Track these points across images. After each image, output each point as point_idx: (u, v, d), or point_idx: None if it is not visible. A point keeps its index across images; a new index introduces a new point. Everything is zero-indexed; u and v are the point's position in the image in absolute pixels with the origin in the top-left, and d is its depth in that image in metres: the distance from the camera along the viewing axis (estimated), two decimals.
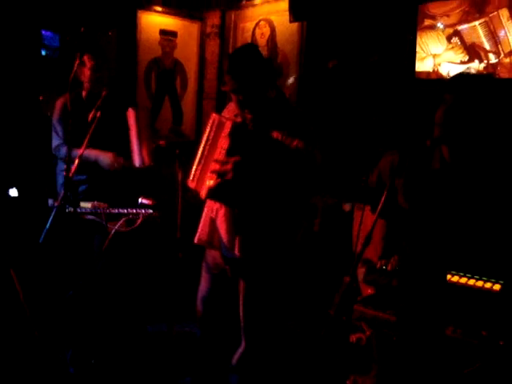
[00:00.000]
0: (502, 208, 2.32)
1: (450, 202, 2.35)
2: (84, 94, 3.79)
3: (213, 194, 2.62)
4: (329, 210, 3.94)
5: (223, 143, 2.57)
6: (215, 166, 2.57)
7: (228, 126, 2.55)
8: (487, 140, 2.40)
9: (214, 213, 2.80)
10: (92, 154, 3.59)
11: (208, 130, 2.75)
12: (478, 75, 2.57)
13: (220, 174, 2.54)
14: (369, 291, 2.26)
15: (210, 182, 2.59)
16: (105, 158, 3.66)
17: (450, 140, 2.32)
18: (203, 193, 2.65)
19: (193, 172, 2.79)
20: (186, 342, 3.38)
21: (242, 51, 2.83)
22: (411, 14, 4.23)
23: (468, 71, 2.64)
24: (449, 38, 4.11)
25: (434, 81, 4.16)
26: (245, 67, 2.65)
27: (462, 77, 2.62)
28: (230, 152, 2.53)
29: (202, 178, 2.71)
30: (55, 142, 3.81)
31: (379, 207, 1.94)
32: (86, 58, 3.66)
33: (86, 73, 3.71)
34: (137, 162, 3.60)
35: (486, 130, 2.38)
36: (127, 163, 3.65)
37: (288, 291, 2.90)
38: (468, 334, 2.11)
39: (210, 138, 2.71)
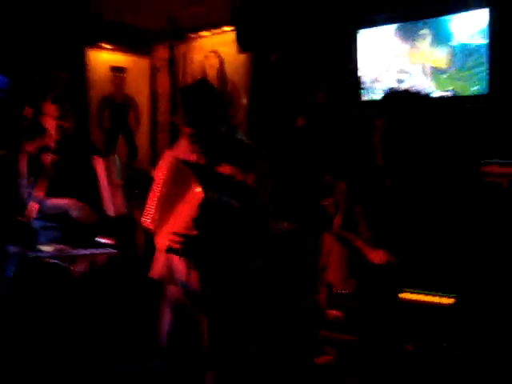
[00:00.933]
0: (450, 222, 2.43)
1: (402, 219, 2.45)
2: (49, 142, 3.70)
3: (173, 252, 2.68)
4: (290, 236, 4.01)
5: (190, 211, 2.57)
6: (179, 229, 2.60)
7: (198, 195, 2.53)
8: (428, 154, 2.50)
9: None
10: (62, 203, 3.43)
11: (166, 172, 2.78)
12: (406, 94, 2.64)
13: (183, 241, 2.58)
14: (332, 315, 2.33)
15: (171, 242, 2.63)
16: (79, 209, 3.44)
17: (392, 165, 2.43)
18: (163, 247, 2.69)
19: (149, 212, 2.81)
20: (158, 378, 3.37)
21: (195, 86, 2.90)
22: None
23: (395, 89, 2.71)
24: None
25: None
26: (197, 101, 2.71)
27: (389, 98, 2.71)
28: (196, 221, 2.56)
29: (160, 223, 2.74)
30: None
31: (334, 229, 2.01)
32: (49, 106, 3.50)
33: (51, 122, 3.51)
34: (111, 211, 3.45)
35: (424, 146, 2.49)
36: (100, 214, 3.47)
37: (251, 317, 2.94)
38: (428, 347, 2.21)
39: (168, 181, 2.74)
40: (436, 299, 2.22)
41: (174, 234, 2.58)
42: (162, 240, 2.67)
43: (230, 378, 2.85)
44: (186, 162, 2.73)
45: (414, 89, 2.60)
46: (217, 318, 2.80)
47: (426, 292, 2.26)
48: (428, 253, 2.35)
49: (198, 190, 2.52)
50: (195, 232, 2.54)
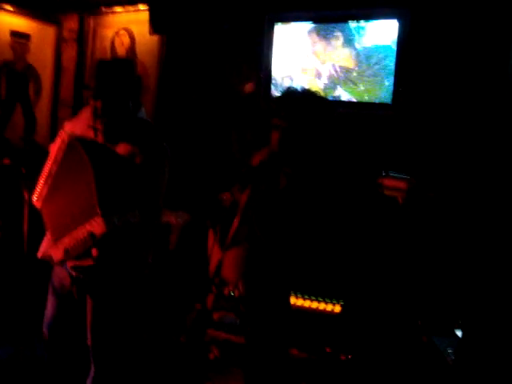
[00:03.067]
0: (342, 229, 2.46)
1: (294, 221, 2.45)
2: None
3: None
4: (185, 228, 3.95)
5: (90, 236, 2.47)
6: (77, 247, 2.50)
7: (101, 227, 2.44)
8: (325, 157, 2.53)
9: None
10: None
11: (57, 148, 2.65)
12: (304, 94, 2.65)
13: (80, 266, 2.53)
14: (221, 315, 2.31)
15: (66, 255, 2.54)
16: None
17: (289, 162, 2.43)
18: (56, 258, 2.59)
19: (39, 190, 2.68)
20: (36, 367, 3.22)
21: (116, 62, 2.92)
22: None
23: (293, 89, 2.73)
24: None
25: None
26: (113, 77, 2.63)
27: (287, 98, 2.70)
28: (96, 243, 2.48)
29: (50, 204, 2.65)
30: None
31: (229, 237, 1.98)
32: None
33: None
34: None
35: (321, 149, 2.52)
36: None
37: (140, 312, 2.87)
38: (312, 352, 2.23)
39: (59, 159, 2.62)
40: (323, 306, 2.25)
41: (69, 251, 2.47)
42: (57, 251, 2.56)
43: (112, 374, 2.77)
44: (81, 140, 2.61)
45: (311, 90, 2.60)
46: (104, 307, 2.70)
47: (314, 297, 2.28)
48: (317, 258, 2.36)
49: (99, 220, 2.41)
50: (91, 262, 2.45)
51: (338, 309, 2.27)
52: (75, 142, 2.59)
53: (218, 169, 4.33)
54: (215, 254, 2.40)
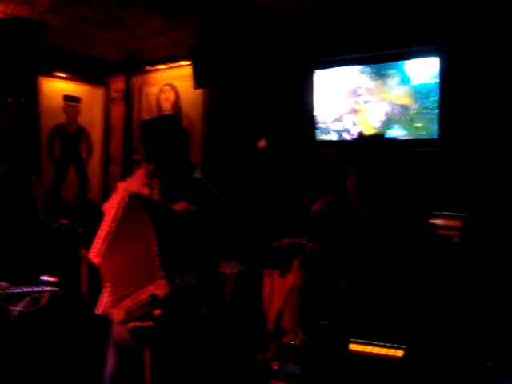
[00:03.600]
0: (401, 272, 2.42)
1: (377, 265, 2.42)
2: None
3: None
4: (240, 277, 3.96)
5: (151, 304, 2.50)
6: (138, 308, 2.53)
7: (165, 288, 2.46)
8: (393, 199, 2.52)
9: None
10: None
11: (116, 205, 2.69)
12: (371, 139, 2.69)
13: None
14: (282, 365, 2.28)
15: (126, 318, 2.55)
16: None
17: (369, 206, 2.44)
18: (117, 318, 2.61)
19: (97, 246, 2.71)
20: None
21: (158, 121, 2.87)
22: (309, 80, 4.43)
23: (364, 135, 2.77)
24: None
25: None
26: (159, 138, 2.67)
27: (355, 146, 2.73)
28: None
29: (111, 262, 2.63)
30: None
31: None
32: None
33: None
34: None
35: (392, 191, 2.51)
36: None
37: (199, 363, 2.86)
38: None
39: (118, 216, 2.65)
40: (385, 351, 2.20)
41: (131, 313, 2.50)
42: (119, 312, 2.58)
43: None
44: (141, 198, 2.66)
45: (380, 134, 2.63)
46: (163, 358, 2.70)
47: (375, 343, 2.23)
48: (378, 302, 2.33)
49: (163, 282, 2.44)
50: (151, 323, 2.48)
51: (400, 353, 2.21)
52: (135, 200, 2.63)
53: (267, 216, 4.35)
54: (274, 302, 2.39)
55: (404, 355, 2.16)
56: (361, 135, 2.77)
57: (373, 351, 2.20)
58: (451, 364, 2.27)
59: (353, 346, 2.21)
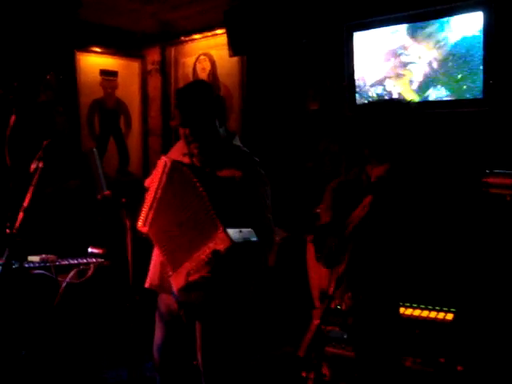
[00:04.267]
0: (450, 235, 2.37)
1: (403, 227, 2.38)
2: None
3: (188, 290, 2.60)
4: (283, 245, 3.95)
5: (211, 258, 2.44)
6: (196, 270, 2.50)
7: (225, 242, 2.39)
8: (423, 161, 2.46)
9: None
10: None
11: (160, 173, 2.69)
12: (392, 103, 2.64)
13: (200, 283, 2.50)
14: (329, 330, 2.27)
15: (186, 280, 2.52)
16: None
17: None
18: (176, 286, 2.59)
19: (144, 216, 2.73)
20: None
21: (191, 86, 2.87)
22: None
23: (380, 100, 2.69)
24: None
25: None
26: (192, 101, 2.66)
27: (377, 108, 2.70)
28: (216, 267, 2.45)
29: (159, 227, 2.65)
30: None
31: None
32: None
33: None
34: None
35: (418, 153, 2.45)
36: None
37: (247, 330, 2.88)
38: (426, 363, 2.14)
39: (163, 182, 2.66)
40: (435, 314, 2.16)
41: (191, 273, 2.49)
42: (179, 278, 2.57)
43: None
44: (183, 163, 2.66)
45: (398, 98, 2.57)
46: (214, 329, 2.73)
47: (425, 306, 2.20)
48: (428, 266, 2.28)
49: (222, 235, 2.38)
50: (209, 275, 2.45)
51: (449, 317, 2.17)
52: (178, 164, 2.64)
53: (308, 184, 4.31)
54: (318, 268, 2.37)
55: (454, 318, 2.13)
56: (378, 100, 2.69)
57: (422, 314, 2.17)
58: (501, 328, 2.22)
59: (402, 310, 2.18)
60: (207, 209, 2.44)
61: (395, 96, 4.09)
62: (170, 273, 2.61)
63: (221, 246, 2.38)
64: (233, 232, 2.37)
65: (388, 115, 2.51)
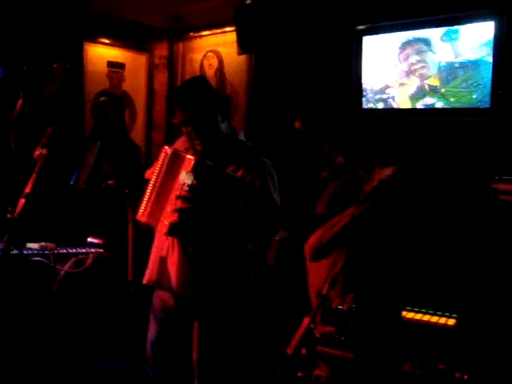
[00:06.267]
0: (457, 239, 2.36)
1: (407, 232, 2.38)
2: None
3: (175, 230, 2.55)
4: (284, 244, 3.94)
5: (186, 179, 2.49)
6: (177, 203, 2.50)
7: (190, 162, 2.49)
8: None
9: (164, 251, 2.74)
10: None
11: (160, 162, 2.70)
12: None
13: (184, 211, 2.48)
14: (327, 330, 2.26)
15: (170, 219, 2.53)
16: None
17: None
18: (164, 230, 2.58)
19: (143, 206, 2.73)
20: (140, 382, 3.29)
21: (189, 83, 2.86)
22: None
23: None
24: None
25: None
26: (192, 98, 2.64)
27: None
28: (193, 188, 2.47)
29: (156, 213, 2.65)
30: None
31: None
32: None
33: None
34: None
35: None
36: None
37: (243, 329, 2.87)
38: (425, 368, 2.13)
39: (163, 171, 2.66)
40: (437, 319, 2.15)
41: (174, 210, 2.48)
42: (162, 224, 2.58)
43: None
44: (181, 151, 2.66)
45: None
46: (210, 328, 2.72)
47: (427, 311, 2.19)
48: (431, 270, 2.27)
49: (189, 156, 2.45)
50: (193, 202, 2.46)
51: (451, 322, 2.16)
52: (177, 152, 2.64)
53: (311, 184, 4.30)
54: (317, 270, 2.37)
55: (456, 324, 2.12)
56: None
57: (423, 318, 2.16)
58: (504, 336, 2.21)
59: (403, 313, 2.18)
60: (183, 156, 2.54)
61: (401, 102, 4.09)
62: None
63: (188, 168, 2.45)
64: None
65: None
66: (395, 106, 4.20)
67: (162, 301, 2.85)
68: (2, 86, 4.51)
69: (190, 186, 2.45)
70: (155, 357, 2.89)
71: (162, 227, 2.57)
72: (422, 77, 4.07)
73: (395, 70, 4.19)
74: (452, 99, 3.95)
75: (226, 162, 2.67)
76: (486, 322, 2.16)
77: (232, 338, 2.78)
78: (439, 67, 3.98)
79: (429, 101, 4.02)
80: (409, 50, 4.12)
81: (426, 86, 4.06)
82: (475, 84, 3.85)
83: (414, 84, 4.12)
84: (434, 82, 4.03)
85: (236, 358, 2.85)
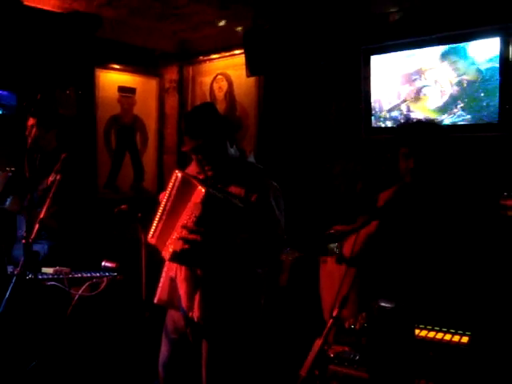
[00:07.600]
0: (468, 257, 2.35)
1: (422, 249, 2.39)
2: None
3: (178, 258, 2.58)
4: (296, 265, 3.94)
5: (194, 210, 2.51)
6: (183, 232, 2.53)
7: (200, 193, 2.49)
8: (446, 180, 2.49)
9: (173, 272, 2.77)
10: None
11: (170, 186, 2.73)
12: (423, 124, 2.70)
13: (188, 241, 2.50)
14: (341, 350, 2.26)
15: (174, 247, 2.55)
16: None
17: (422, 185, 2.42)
18: (167, 256, 2.61)
19: (153, 228, 2.76)
20: None
21: (197, 111, 2.85)
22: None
23: (411, 119, 2.74)
24: None
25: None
26: (200, 126, 2.67)
27: (410, 128, 2.72)
28: (200, 220, 2.49)
29: (164, 236, 2.68)
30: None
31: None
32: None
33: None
34: None
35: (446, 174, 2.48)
36: None
37: (255, 351, 2.86)
38: None
39: (173, 195, 2.69)
40: (450, 337, 2.14)
41: (179, 238, 2.51)
42: (167, 249, 2.60)
43: None
44: (193, 177, 2.68)
45: (429, 118, 2.61)
46: (220, 349, 2.72)
47: (440, 329, 2.18)
48: (443, 288, 2.27)
49: (200, 187, 2.47)
50: (198, 236, 2.47)
51: (465, 340, 2.15)
52: (188, 177, 2.66)
53: (322, 203, 4.31)
54: (330, 289, 2.37)
55: (470, 342, 2.11)
56: (408, 119, 2.74)
57: (437, 336, 2.15)
58: None
59: (416, 331, 2.17)
60: (193, 181, 2.56)
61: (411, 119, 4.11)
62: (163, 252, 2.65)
63: (198, 199, 2.45)
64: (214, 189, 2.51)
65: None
66: None
67: (173, 321, 2.87)
68: (17, 115, 4.60)
69: (198, 218, 2.47)
70: (167, 377, 2.90)
71: (166, 252, 2.60)
72: (431, 94, 4.09)
73: (404, 88, 4.21)
74: (461, 116, 3.96)
75: (235, 182, 2.70)
76: (500, 339, 2.15)
77: (242, 360, 2.77)
78: (447, 84, 4.00)
79: (438, 118, 4.03)
80: (417, 68, 4.15)
81: (435, 104, 4.08)
82: (483, 100, 3.86)
83: (422, 102, 4.14)
84: (443, 99, 4.04)
85: (249, 380, 2.84)
